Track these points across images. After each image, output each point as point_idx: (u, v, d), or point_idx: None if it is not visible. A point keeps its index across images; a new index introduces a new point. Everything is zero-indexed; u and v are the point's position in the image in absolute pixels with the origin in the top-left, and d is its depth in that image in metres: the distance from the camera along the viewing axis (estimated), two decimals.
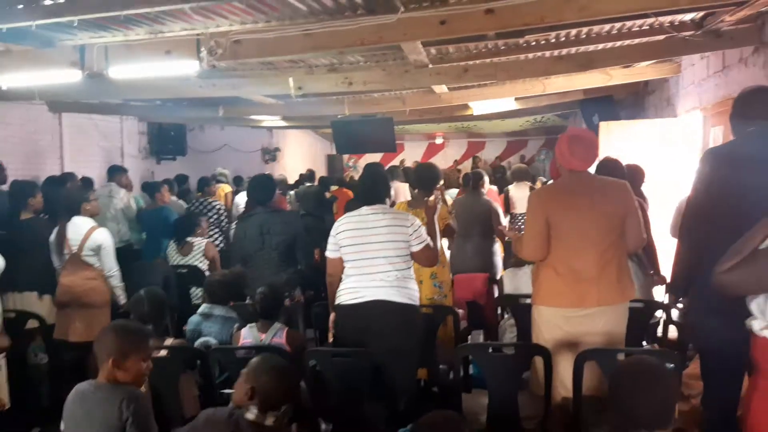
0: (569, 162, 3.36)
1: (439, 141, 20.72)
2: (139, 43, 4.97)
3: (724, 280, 2.29)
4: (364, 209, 3.74)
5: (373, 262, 3.61)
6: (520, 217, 8.46)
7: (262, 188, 4.80)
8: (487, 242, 6.19)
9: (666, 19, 5.30)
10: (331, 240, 3.76)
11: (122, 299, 5.03)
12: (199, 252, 6.21)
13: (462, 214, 6.00)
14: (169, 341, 3.81)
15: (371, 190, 3.80)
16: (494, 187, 9.12)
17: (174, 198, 8.72)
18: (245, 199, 8.57)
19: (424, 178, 4.90)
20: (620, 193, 3.40)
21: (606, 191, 3.40)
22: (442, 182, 5.39)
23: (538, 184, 9.45)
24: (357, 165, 20.51)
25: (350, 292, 3.66)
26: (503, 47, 6.10)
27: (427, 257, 3.72)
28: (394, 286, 3.56)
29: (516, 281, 4.81)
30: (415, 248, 3.66)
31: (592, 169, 3.59)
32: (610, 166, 4.49)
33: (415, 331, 3.74)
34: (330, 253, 3.77)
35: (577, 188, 3.37)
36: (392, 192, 4.27)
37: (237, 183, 11.61)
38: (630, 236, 3.44)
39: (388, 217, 3.67)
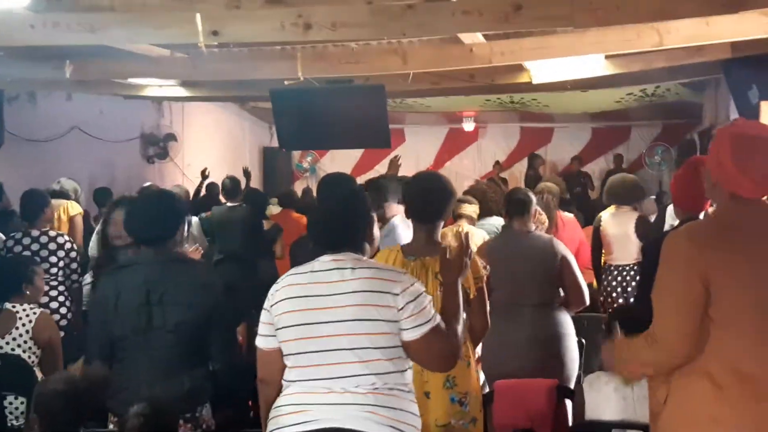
0: (737, 182, 2.49)
1: (468, 126, 13.94)
2: None
3: None
4: (322, 260, 2.64)
5: (331, 358, 2.59)
6: (621, 272, 6.04)
7: (151, 213, 3.57)
8: (550, 318, 4.36)
9: None
10: (264, 317, 2.74)
11: None
12: (25, 332, 4.79)
13: (501, 267, 4.27)
14: None
15: (336, 222, 2.73)
16: (569, 215, 6.48)
17: None
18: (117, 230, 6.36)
19: (428, 199, 3.46)
20: None
21: None
22: (471, 207, 5.06)
23: (651, 209, 7.28)
24: (317, 167, 14.51)
25: (292, 413, 2.66)
26: None
27: (436, 353, 2.67)
28: (368, 406, 2.54)
29: (606, 394, 3.51)
30: (411, 335, 2.57)
31: None
32: None
33: None
34: (262, 341, 2.78)
35: (755, 230, 2.52)
36: (375, 229, 2.88)
37: (99, 199, 8.55)
38: None
39: (360, 277, 2.58)
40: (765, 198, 2.62)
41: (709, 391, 2.52)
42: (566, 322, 4.40)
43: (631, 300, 5.35)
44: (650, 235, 5.23)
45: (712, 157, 2.56)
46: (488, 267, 3.54)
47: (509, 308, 4.35)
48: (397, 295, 2.59)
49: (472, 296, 3.24)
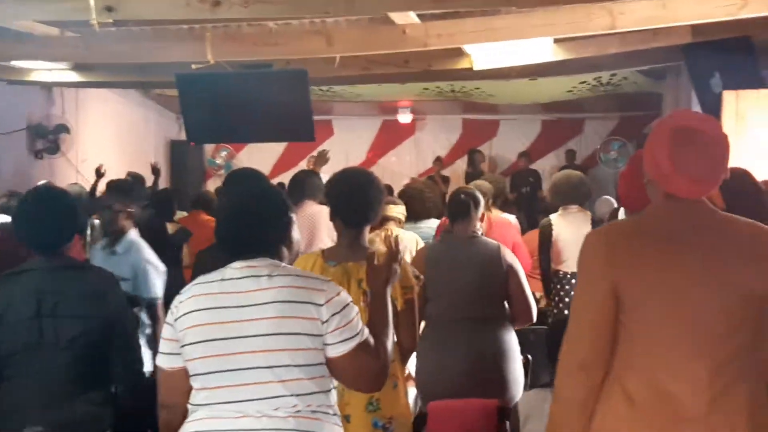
0: (669, 179, 2.40)
1: (404, 118, 13.21)
2: None
3: None
4: (234, 267, 2.50)
5: (245, 378, 2.44)
6: (570, 281, 5.77)
7: (44, 216, 3.47)
8: (492, 334, 4.13)
9: None
10: (166, 332, 2.59)
11: None
12: None
13: (439, 277, 4.13)
14: None
15: (247, 223, 2.58)
16: (511, 217, 6.35)
17: None
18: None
19: (355, 199, 3.26)
20: (765, 248, 2.44)
21: (739, 244, 2.43)
22: (398, 208, 4.86)
23: (603, 210, 7.07)
24: (232, 164, 13.28)
25: None
26: None
27: (364, 372, 2.56)
28: (289, 431, 2.46)
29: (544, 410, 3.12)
30: (337, 351, 2.46)
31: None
32: (737, 187, 3.11)
33: None
34: (164, 360, 2.61)
35: (680, 234, 2.43)
36: (294, 231, 2.72)
37: None
38: None
39: (279, 286, 2.44)
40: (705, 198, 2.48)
41: (624, 409, 2.42)
42: (510, 338, 4.16)
43: None
44: None
45: (647, 151, 2.44)
46: (421, 277, 3.35)
47: (448, 322, 4.12)
48: (321, 305, 2.43)
49: (399, 308, 3.07)
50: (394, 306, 2.95)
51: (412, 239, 4.85)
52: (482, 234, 4.41)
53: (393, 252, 2.69)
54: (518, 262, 4.20)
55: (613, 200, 7.22)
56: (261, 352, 2.42)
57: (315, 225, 5.08)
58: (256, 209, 2.56)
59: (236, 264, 2.47)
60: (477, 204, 4.21)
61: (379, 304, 2.70)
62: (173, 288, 3.68)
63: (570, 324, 2.43)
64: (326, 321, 2.42)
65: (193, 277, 2.89)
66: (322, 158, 5.94)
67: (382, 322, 2.64)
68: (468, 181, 10.78)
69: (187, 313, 2.48)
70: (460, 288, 4.09)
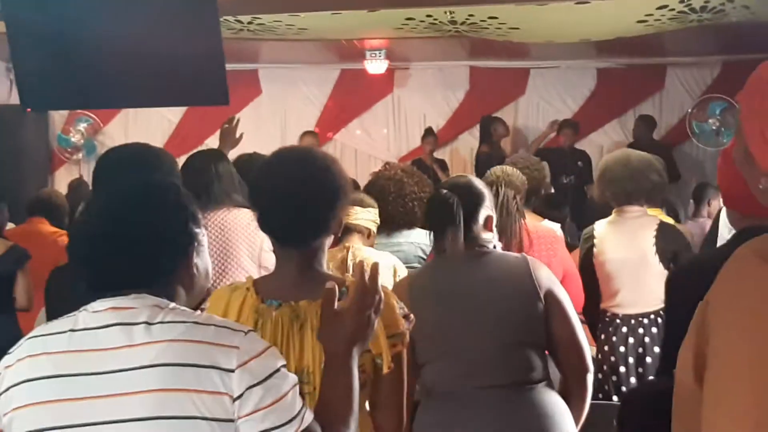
0: None
1: (375, 66, 9.25)
2: None
3: None
4: (94, 309, 2.04)
5: None
6: (634, 328, 4.50)
7: None
8: (532, 408, 3.29)
9: None
10: None
11: None
12: None
13: (433, 325, 3.29)
14: None
15: (117, 246, 2.11)
16: (555, 227, 4.79)
17: None
18: None
19: (294, 201, 2.54)
20: None
21: None
22: (365, 212, 3.98)
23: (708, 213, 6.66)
24: (97, 142, 10.25)
25: None
26: None
27: None
28: None
29: None
30: None
31: None
32: None
33: None
34: None
35: None
36: (201, 256, 2.20)
37: None
38: None
39: (163, 340, 1.98)
40: None
41: None
42: (560, 412, 3.19)
43: (650, 377, 4.06)
44: (683, 255, 3.94)
45: (750, 117, 1.72)
46: (412, 316, 2.58)
47: (457, 393, 3.19)
48: (232, 372, 1.95)
49: (385, 369, 2.40)
50: (377, 369, 2.40)
51: (387, 266, 3.80)
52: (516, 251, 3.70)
53: (366, 287, 2.13)
54: (563, 290, 3.21)
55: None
56: None
57: (229, 241, 4.11)
58: (132, 219, 2.07)
59: (98, 305, 2.00)
60: (476, 201, 3.23)
61: (338, 374, 2.18)
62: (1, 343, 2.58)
63: (725, 404, 1.61)
64: (239, 397, 1.93)
65: (48, 311, 2.91)
66: (229, 135, 4.72)
67: (342, 403, 2.15)
68: (480, 167, 8.33)
69: (16, 384, 2.06)
70: (467, 338, 3.19)
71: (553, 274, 3.24)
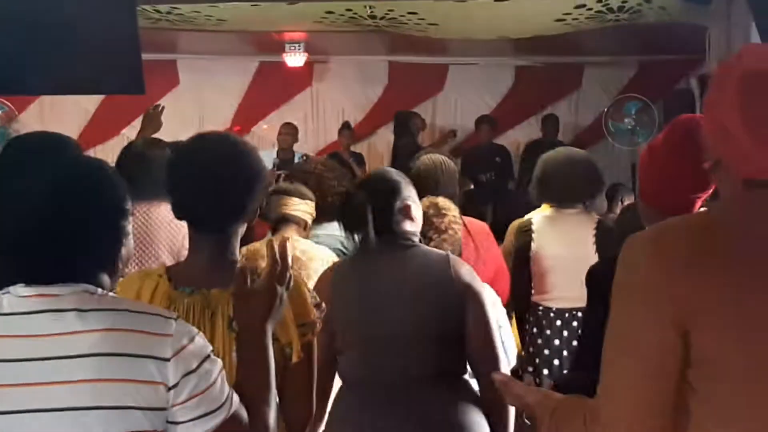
0: (748, 157, 1.88)
1: (294, 59, 9.58)
2: None
3: None
4: (18, 295, 1.97)
5: None
6: (567, 321, 4.54)
7: None
8: (445, 400, 3.41)
9: None
10: None
11: None
12: None
13: (353, 314, 3.36)
14: None
15: (41, 221, 2.02)
16: (477, 222, 4.66)
17: None
18: None
19: (209, 184, 2.51)
20: None
21: None
22: (303, 204, 3.97)
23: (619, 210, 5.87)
24: (11, 130, 9.33)
25: None
26: None
27: None
28: None
29: None
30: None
31: None
32: None
33: None
34: None
35: None
36: (127, 245, 2.12)
37: None
38: None
39: (96, 329, 1.90)
40: None
41: None
42: (472, 407, 3.24)
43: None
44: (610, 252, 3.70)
45: (707, 115, 1.94)
46: (323, 305, 2.59)
47: (377, 386, 3.21)
48: (167, 360, 1.91)
49: (294, 359, 2.40)
50: (284, 356, 2.37)
51: (326, 258, 3.79)
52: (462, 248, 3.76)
53: (278, 264, 2.13)
54: (484, 286, 3.28)
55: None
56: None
57: (149, 236, 4.11)
58: (54, 202, 1.95)
59: (21, 290, 1.92)
60: (390, 193, 3.20)
61: (255, 350, 2.15)
62: None
63: (604, 389, 1.87)
64: (175, 386, 1.90)
65: None
66: (153, 120, 4.91)
67: (260, 381, 2.12)
68: (396, 160, 8.30)
69: None
70: (388, 330, 3.18)
71: (474, 272, 3.24)
